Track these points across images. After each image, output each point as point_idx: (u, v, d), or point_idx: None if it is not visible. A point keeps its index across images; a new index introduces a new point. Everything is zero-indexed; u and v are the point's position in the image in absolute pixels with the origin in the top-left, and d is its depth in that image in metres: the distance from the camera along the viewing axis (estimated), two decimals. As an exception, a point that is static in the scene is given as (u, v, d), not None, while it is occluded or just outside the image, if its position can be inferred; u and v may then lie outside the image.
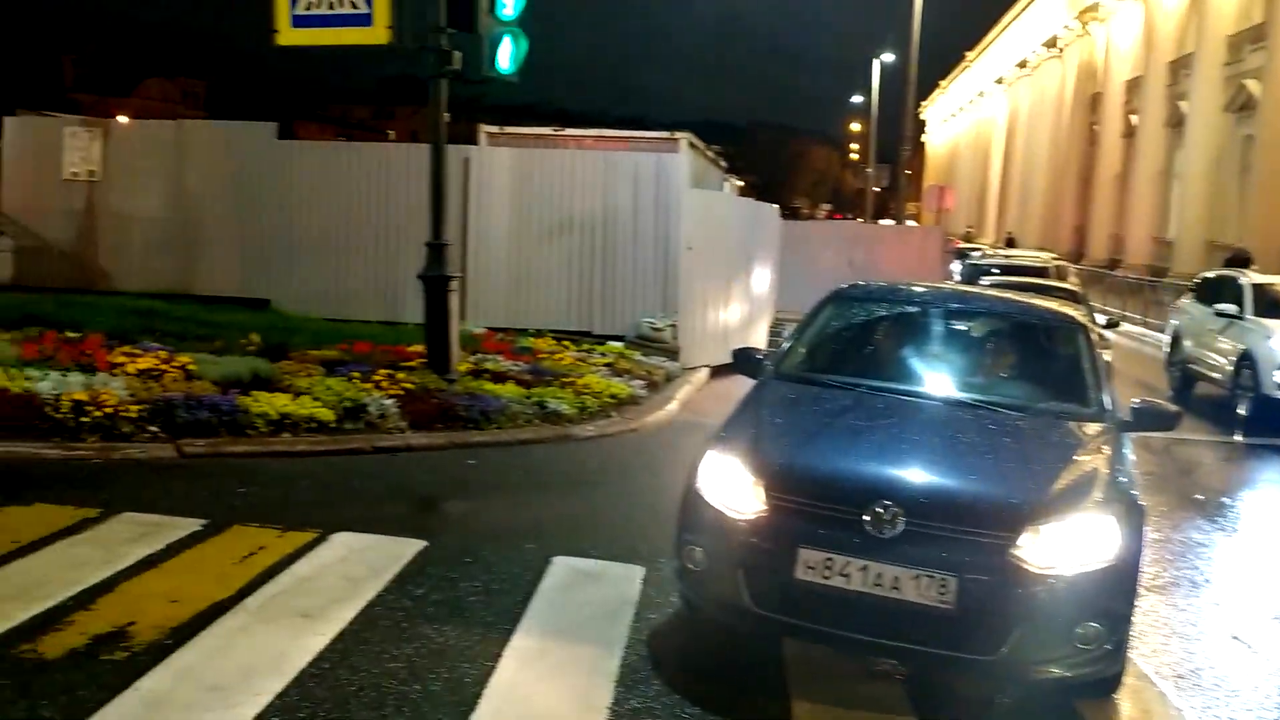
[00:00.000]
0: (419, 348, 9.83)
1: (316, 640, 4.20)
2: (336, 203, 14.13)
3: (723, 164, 18.73)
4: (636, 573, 5.34)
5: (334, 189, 14.23)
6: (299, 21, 8.82)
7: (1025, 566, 3.81)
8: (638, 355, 12.03)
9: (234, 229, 14.45)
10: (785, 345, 5.71)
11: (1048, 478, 4.16)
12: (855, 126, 60.74)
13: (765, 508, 4.06)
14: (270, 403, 7.68)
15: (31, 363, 7.79)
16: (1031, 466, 4.35)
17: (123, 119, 19.07)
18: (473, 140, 14.30)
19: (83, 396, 7.13)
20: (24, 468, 6.43)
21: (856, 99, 60.50)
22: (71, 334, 8.95)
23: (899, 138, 39.87)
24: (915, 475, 4.14)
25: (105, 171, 14.82)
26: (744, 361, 5.53)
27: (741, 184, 21.14)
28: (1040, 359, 5.54)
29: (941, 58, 64.41)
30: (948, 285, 10.97)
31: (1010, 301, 6.42)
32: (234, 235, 14.45)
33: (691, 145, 14.12)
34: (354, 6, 8.58)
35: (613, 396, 9.79)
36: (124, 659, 3.88)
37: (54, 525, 5.31)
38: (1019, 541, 3.83)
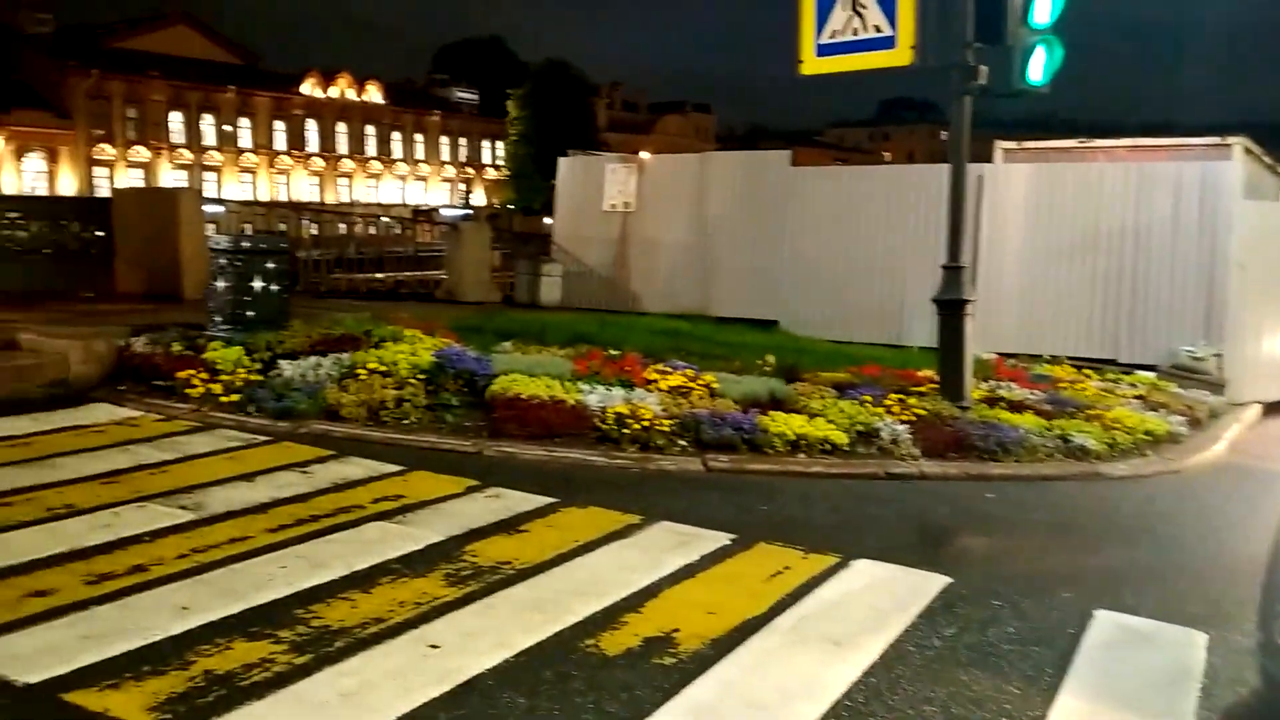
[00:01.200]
0: (928, 372, 9.62)
1: (848, 670, 4.13)
2: (841, 226, 14.37)
3: (1280, 169, 16.29)
4: (1198, 639, 4.68)
5: (839, 212, 14.49)
6: (823, 50, 8.98)
7: None
8: (1173, 387, 10.84)
9: (746, 253, 15.23)
10: None
11: None
12: None
13: (1399, 586, 3.32)
14: (787, 423, 7.88)
15: (582, 378, 8.69)
16: None
17: (645, 154, 20.95)
18: (986, 158, 13.78)
19: (623, 410, 7.80)
20: (578, 472, 7.15)
21: None
22: (613, 352, 9.89)
23: None
24: None
25: (638, 202, 16.37)
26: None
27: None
28: None
29: None
30: None
31: None
32: (746, 259, 15.23)
33: (1247, 151, 12.43)
34: (877, 30, 8.56)
35: (1148, 433, 8.86)
36: (672, 665, 4.09)
37: (604, 528, 5.81)
38: None
